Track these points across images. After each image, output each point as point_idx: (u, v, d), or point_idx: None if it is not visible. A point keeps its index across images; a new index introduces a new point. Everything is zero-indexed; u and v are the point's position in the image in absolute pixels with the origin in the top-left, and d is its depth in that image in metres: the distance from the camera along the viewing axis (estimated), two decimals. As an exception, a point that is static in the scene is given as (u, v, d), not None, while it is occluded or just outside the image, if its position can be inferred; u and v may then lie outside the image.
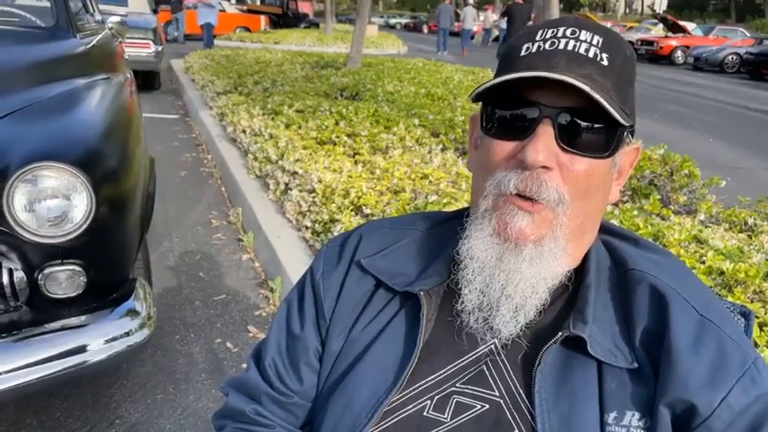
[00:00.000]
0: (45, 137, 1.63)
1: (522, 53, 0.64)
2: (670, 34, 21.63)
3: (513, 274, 0.64)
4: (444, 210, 2.68)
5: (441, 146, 4.11)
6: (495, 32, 20.54)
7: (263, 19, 20.20)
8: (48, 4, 2.72)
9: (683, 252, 2.10)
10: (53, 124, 1.76)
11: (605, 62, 0.62)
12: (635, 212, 2.70)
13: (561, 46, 0.62)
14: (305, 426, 0.77)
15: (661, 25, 22.97)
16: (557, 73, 0.59)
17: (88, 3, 3.49)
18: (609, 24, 25.55)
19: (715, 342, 0.61)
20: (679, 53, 20.62)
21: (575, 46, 0.62)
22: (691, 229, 2.41)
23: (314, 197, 3.01)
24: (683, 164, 3.53)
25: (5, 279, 1.51)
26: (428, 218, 0.81)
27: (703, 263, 2.01)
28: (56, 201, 1.50)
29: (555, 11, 5.64)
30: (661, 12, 30.04)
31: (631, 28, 24.82)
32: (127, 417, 1.82)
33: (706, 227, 2.60)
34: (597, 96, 0.59)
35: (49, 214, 1.49)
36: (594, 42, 0.63)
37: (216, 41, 13.72)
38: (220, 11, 18.10)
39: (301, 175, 3.29)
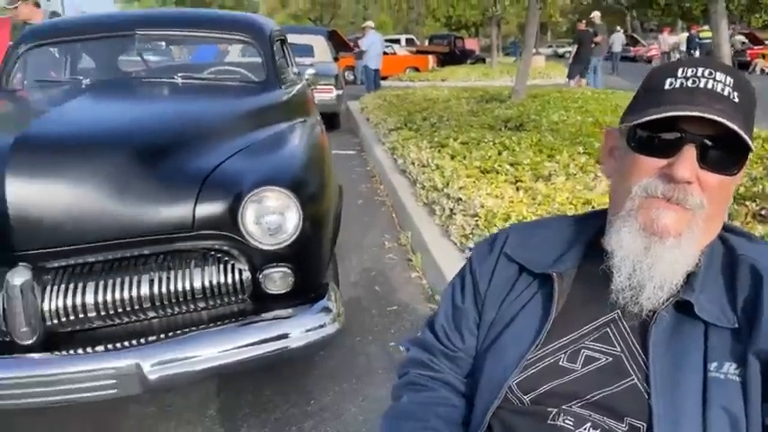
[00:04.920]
0: (265, 168, 2.06)
1: (666, 87, 0.82)
2: None
3: (657, 260, 0.82)
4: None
5: (606, 173, 4.12)
6: (676, 55, 19.35)
7: (431, 58, 21.14)
8: (259, 61, 3.32)
9: None
10: (269, 158, 2.21)
11: (736, 99, 0.79)
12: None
13: (701, 84, 0.79)
14: (467, 376, 1.01)
15: None
16: (703, 111, 0.77)
17: (288, 58, 4.14)
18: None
19: None
20: None
21: (713, 85, 0.79)
22: None
23: (477, 221, 3.24)
24: None
25: (237, 277, 1.95)
26: (563, 217, 1.02)
27: None
28: (274, 216, 1.90)
29: (724, 35, 5.33)
30: None
31: None
32: (319, 399, 2.19)
33: None
34: (739, 131, 0.76)
35: (269, 227, 1.90)
36: (728, 83, 0.80)
37: (386, 82, 14.61)
38: (391, 53, 19.35)
39: (465, 201, 3.55)
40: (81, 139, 1.92)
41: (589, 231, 0.96)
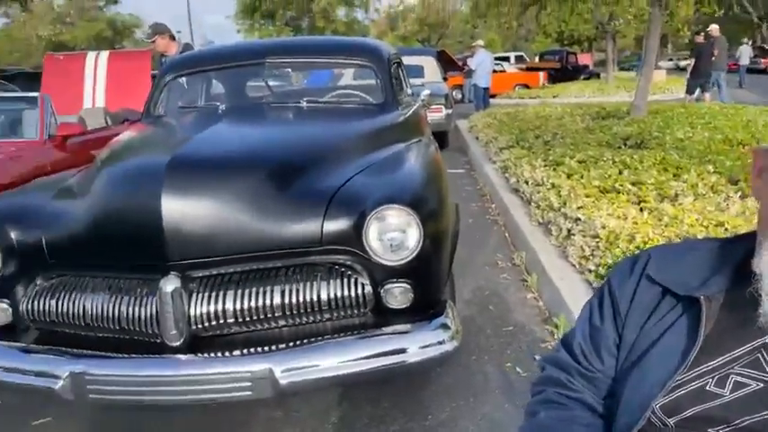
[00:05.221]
0: (386, 186, 2.13)
1: None
2: None
3: None
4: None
5: (740, 193, 3.83)
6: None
7: (541, 75, 20.73)
8: (376, 83, 3.45)
9: None
10: (390, 177, 2.28)
11: None
12: None
13: None
14: (605, 398, 0.99)
15: None
16: None
17: (403, 80, 4.25)
18: None
19: None
20: None
21: None
22: None
23: (597, 242, 3.13)
24: None
25: (359, 291, 2.02)
26: (709, 240, 0.98)
27: None
28: (396, 233, 1.96)
29: None
30: None
31: None
32: (437, 415, 2.21)
33: None
34: None
35: (391, 243, 1.96)
36: None
37: (495, 100, 14.47)
38: (500, 71, 19.20)
39: (584, 221, 3.44)
40: (224, 160, 2.10)
41: (737, 254, 0.92)
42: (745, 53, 19.39)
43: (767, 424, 0.78)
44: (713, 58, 12.05)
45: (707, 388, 0.84)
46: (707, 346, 0.86)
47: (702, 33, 12.80)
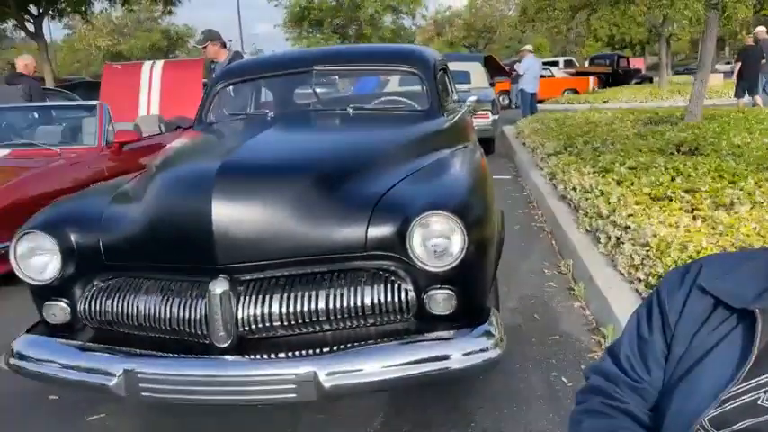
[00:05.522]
0: (431, 193, 2.13)
1: None
2: None
3: None
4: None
5: (802, 202, 3.66)
6: None
7: (591, 79, 20.33)
8: (422, 89, 3.45)
9: None
10: (435, 184, 2.28)
11: None
12: None
13: None
14: (652, 409, 0.97)
15: None
16: None
17: (449, 86, 4.25)
18: None
19: None
20: None
21: None
22: None
23: (648, 251, 3.05)
24: None
25: (403, 297, 2.03)
26: (764, 250, 0.95)
27: None
28: (440, 240, 1.96)
29: None
30: None
31: None
32: (480, 422, 2.19)
33: None
34: None
35: (435, 249, 1.96)
36: None
37: (543, 106, 14.25)
38: (548, 76, 18.92)
39: (634, 229, 3.35)
40: (272, 167, 2.15)
41: None
42: None
43: None
44: (763, 61, 11.58)
45: (759, 402, 0.82)
46: (761, 359, 0.83)
47: (750, 36, 12.35)
